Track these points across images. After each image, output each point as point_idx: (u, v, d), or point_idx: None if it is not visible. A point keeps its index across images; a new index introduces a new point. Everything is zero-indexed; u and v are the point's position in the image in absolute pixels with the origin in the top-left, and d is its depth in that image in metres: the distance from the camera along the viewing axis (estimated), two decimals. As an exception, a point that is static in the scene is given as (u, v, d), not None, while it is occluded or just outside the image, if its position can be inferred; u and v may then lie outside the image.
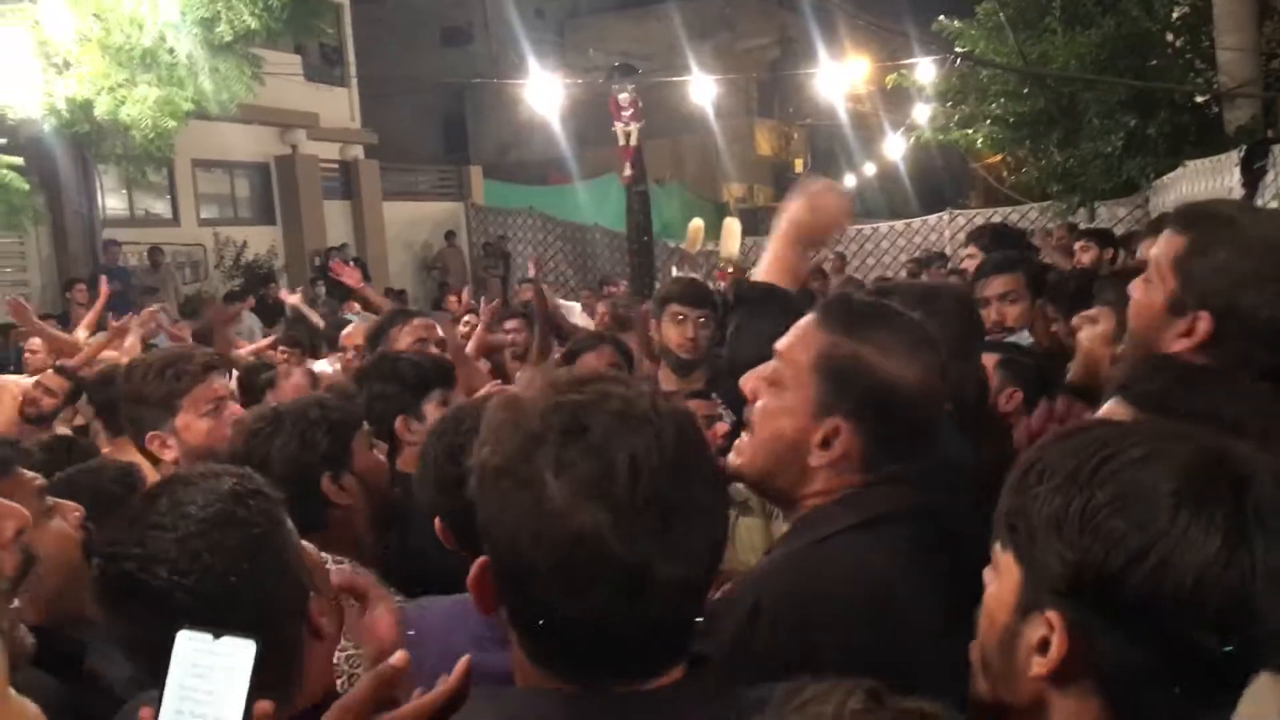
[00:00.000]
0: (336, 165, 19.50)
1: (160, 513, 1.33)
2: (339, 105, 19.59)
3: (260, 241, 17.49)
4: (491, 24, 27.96)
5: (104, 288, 7.40)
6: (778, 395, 1.58)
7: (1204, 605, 0.94)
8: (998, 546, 1.09)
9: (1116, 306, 2.41)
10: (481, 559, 1.06)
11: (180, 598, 1.27)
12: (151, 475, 2.55)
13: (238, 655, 1.10)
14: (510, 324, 6.49)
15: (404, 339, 3.64)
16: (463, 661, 1.13)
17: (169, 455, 2.62)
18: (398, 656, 1.15)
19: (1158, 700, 0.98)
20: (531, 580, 1.00)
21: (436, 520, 1.76)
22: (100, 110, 11.12)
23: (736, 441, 1.66)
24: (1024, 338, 3.58)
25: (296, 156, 18.23)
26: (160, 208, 16.97)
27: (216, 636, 1.11)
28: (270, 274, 16.76)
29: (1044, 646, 1.01)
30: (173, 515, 1.32)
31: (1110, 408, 1.54)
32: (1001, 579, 1.07)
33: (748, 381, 1.63)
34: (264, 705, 1.10)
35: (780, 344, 1.62)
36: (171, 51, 11.28)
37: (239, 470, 1.43)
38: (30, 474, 1.92)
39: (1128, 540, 0.96)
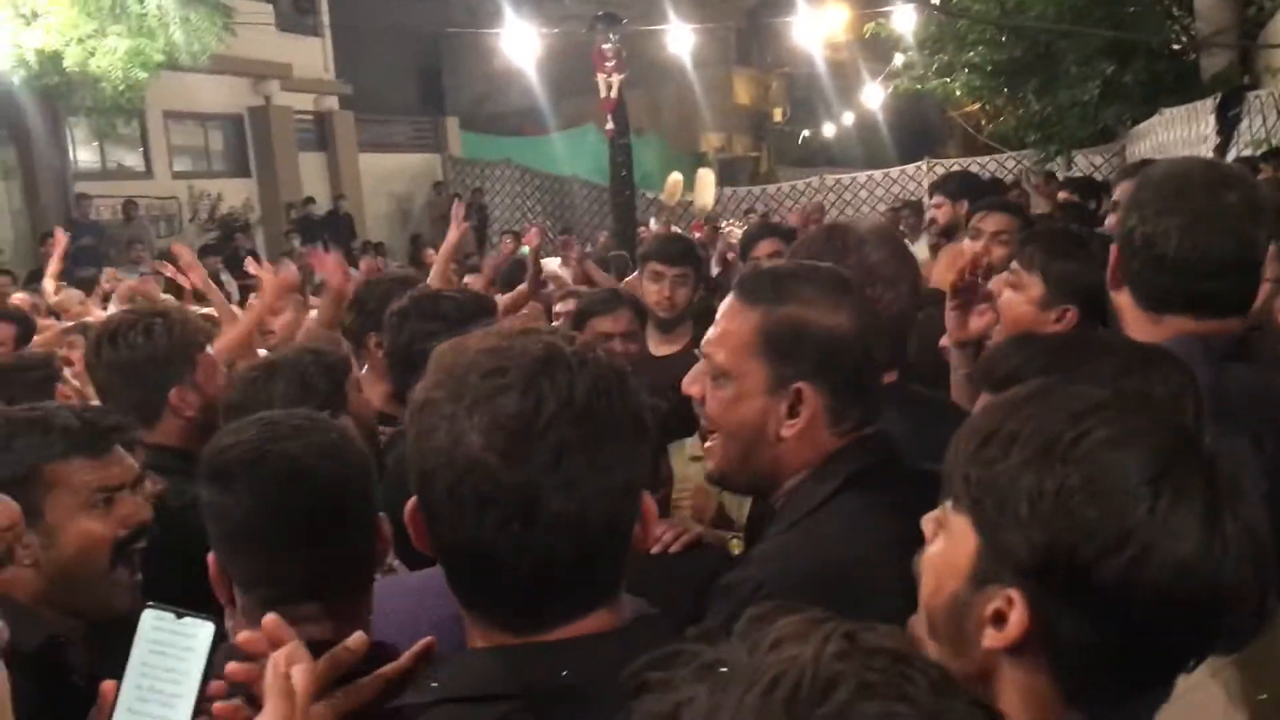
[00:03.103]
0: (311, 116, 19.25)
1: None
2: (313, 55, 19.30)
3: (235, 194, 17.32)
4: (466, -28, 27.54)
5: (59, 236, 7.31)
6: (728, 386, 1.59)
7: (1182, 596, 0.94)
8: (949, 506, 1.07)
9: (1044, 269, 2.40)
10: (414, 497, 1.11)
11: None
12: None
13: (199, 635, 1.13)
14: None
15: None
16: (423, 643, 1.18)
17: (189, 411, 2.48)
18: (354, 640, 1.18)
19: (1109, 678, 0.99)
20: (437, 511, 1.06)
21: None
22: (70, 62, 10.96)
23: (706, 447, 1.68)
24: None
25: (270, 108, 17.98)
26: (133, 160, 16.74)
27: (179, 616, 1.14)
28: (247, 226, 16.62)
29: (998, 619, 1.00)
30: None
31: (980, 400, 1.55)
32: (954, 543, 1.05)
33: (691, 386, 1.63)
34: (218, 684, 1.14)
35: (710, 336, 1.62)
36: (141, 1, 11.09)
37: None
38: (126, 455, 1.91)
39: (1104, 529, 0.94)
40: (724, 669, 0.66)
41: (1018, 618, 0.98)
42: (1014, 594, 0.98)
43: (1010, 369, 1.48)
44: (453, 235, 5.22)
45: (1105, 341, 1.67)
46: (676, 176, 12.47)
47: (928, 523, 1.10)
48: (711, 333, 1.63)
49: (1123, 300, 1.88)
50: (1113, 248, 1.90)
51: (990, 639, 1.00)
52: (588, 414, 1.05)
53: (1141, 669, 0.99)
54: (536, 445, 1.02)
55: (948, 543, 1.05)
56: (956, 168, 15.65)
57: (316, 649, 1.13)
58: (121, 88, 11.43)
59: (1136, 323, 1.86)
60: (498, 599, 1.08)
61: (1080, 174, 14.20)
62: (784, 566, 1.50)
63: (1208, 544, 0.94)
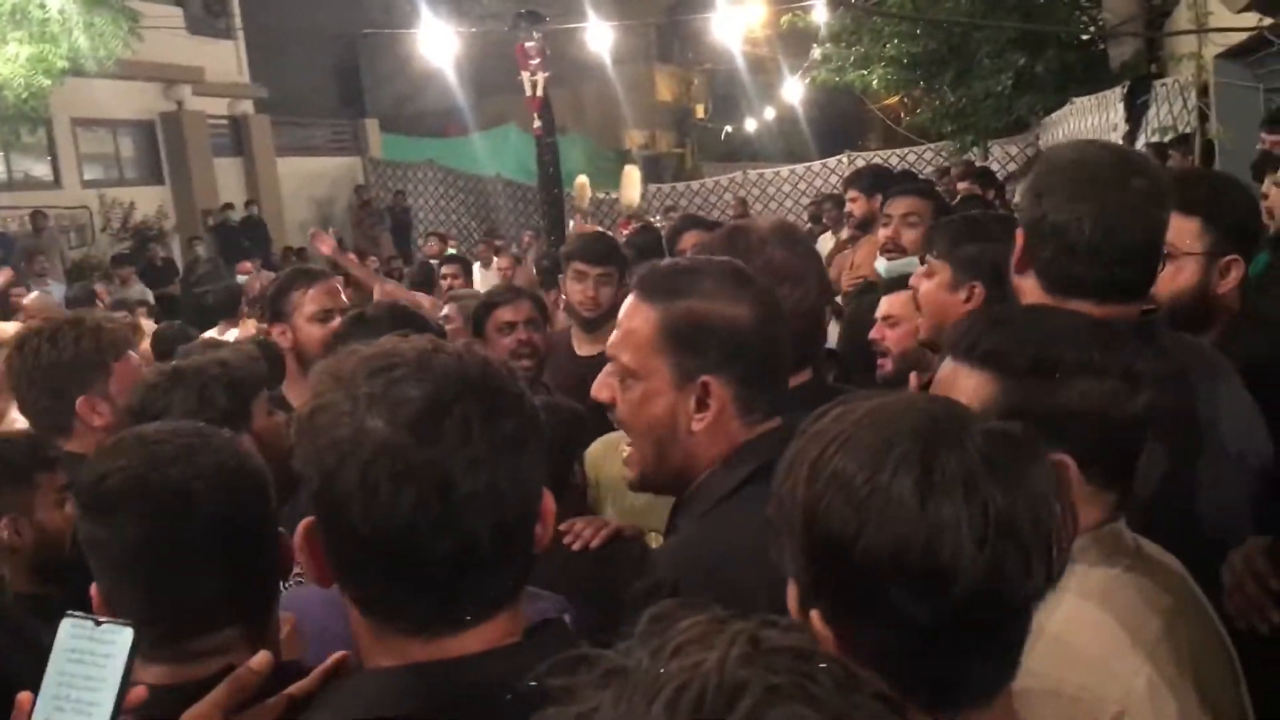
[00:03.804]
0: (226, 121, 18.89)
1: None
2: (225, 59, 18.93)
3: (148, 202, 16.91)
4: (382, -29, 27.21)
5: None
6: (635, 386, 1.59)
7: (904, 569, 0.95)
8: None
9: (948, 255, 2.51)
10: (306, 520, 1.09)
11: None
12: None
13: (117, 642, 1.12)
14: (448, 269, 7.15)
15: (308, 306, 3.29)
16: (334, 658, 1.16)
17: (99, 421, 2.45)
18: (257, 660, 1.16)
19: (919, 674, 0.98)
20: (348, 503, 1.03)
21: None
22: (-32, 69, 10.60)
23: (624, 458, 1.68)
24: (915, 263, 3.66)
25: (183, 113, 17.60)
26: (41, 170, 16.27)
27: (98, 624, 1.13)
28: (161, 235, 16.24)
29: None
30: None
31: (943, 368, 1.56)
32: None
33: (601, 391, 1.64)
34: (139, 690, 1.13)
35: (614, 339, 1.63)
36: (43, 6, 10.77)
37: None
38: None
39: (849, 517, 0.96)
40: (626, 676, 0.64)
41: (824, 638, 0.98)
42: (814, 616, 1.00)
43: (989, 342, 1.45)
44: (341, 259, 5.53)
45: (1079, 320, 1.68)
46: (582, 179, 12.48)
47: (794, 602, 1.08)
48: (615, 335, 1.63)
49: (1026, 285, 1.90)
50: (1018, 233, 1.92)
51: None
52: (486, 392, 1.06)
53: (932, 662, 0.98)
54: (444, 423, 1.03)
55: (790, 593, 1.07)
56: (876, 160, 15.89)
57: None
58: (24, 95, 11.09)
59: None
60: (416, 589, 1.05)
61: (997, 164, 14.50)
62: (693, 559, 1.51)
63: (918, 523, 0.94)
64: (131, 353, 2.60)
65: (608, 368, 1.64)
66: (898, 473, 0.96)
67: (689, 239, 4.12)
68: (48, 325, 2.56)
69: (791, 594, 1.05)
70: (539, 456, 1.11)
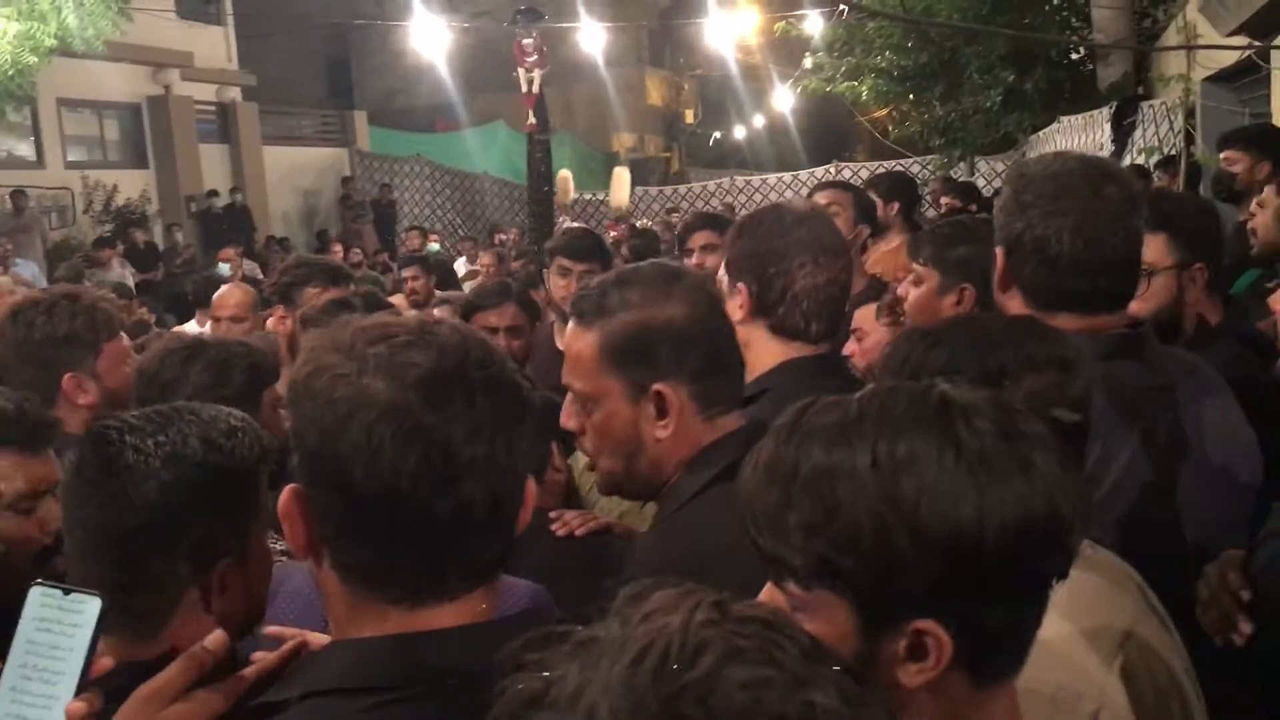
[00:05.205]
0: (213, 107, 18.76)
1: None
2: (215, 44, 18.82)
3: (132, 185, 16.77)
4: (376, -36, 27.13)
5: None
6: (594, 409, 1.61)
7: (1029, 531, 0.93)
8: (794, 589, 0.98)
9: (936, 261, 2.54)
10: (289, 487, 1.08)
11: None
12: None
13: (85, 611, 1.12)
14: (408, 271, 6.73)
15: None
16: (291, 643, 1.19)
17: (84, 399, 2.44)
18: (212, 639, 1.15)
19: (1007, 646, 0.99)
20: (348, 463, 1.02)
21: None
22: (-46, 44, 10.50)
23: (595, 479, 1.71)
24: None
25: (170, 97, 17.47)
26: (24, 149, 16.11)
27: (66, 593, 1.13)
28: (144, 219, 16.12)
29: (913, 652, 0.95)
30: None
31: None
32: (823, 620, 0.96)
33: (568, 419, 1.65)
34: (105, 661, 1.13)
35: (565, 368, 1.65)
36: (32, -17, 10.69)
37: None
38: None
39: (944, 516, 0.92)
40: (595, 644, 0.65)
41: (940, 640, 0.93)
42: (924, 624, 0.93)
43: (936, 360, 1.44)
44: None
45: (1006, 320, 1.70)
46: (565, 173, 12.39)
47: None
48: (565, 364, 1.65)
49: (1012, 303, 1.91)
50: (998, 251, 1.92)
51: (915, 675, 0.95)
52: (485, 364, 1.08)
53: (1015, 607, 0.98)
54: (450, 388, 1.04)
55: (816, 622, 0.95)
56: (864, 171, 15.94)
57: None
58: (10, 73, 10.99)
59: None
60: (410, 552, 1.05)
61: (983, 179, 14.56)
62: (653, 556, 1.54)
63: (1033, 486, 0.94)
64: (123, 334, 2.58)
65: (569, 397, 1.66)
66: (980, 440, 0.94)
67: (699, 238, 4.14)
68: (45, 297, 2.53)
69: (836, 624, 0.96)
70: (530, 433, 1.12)
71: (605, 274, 1.77)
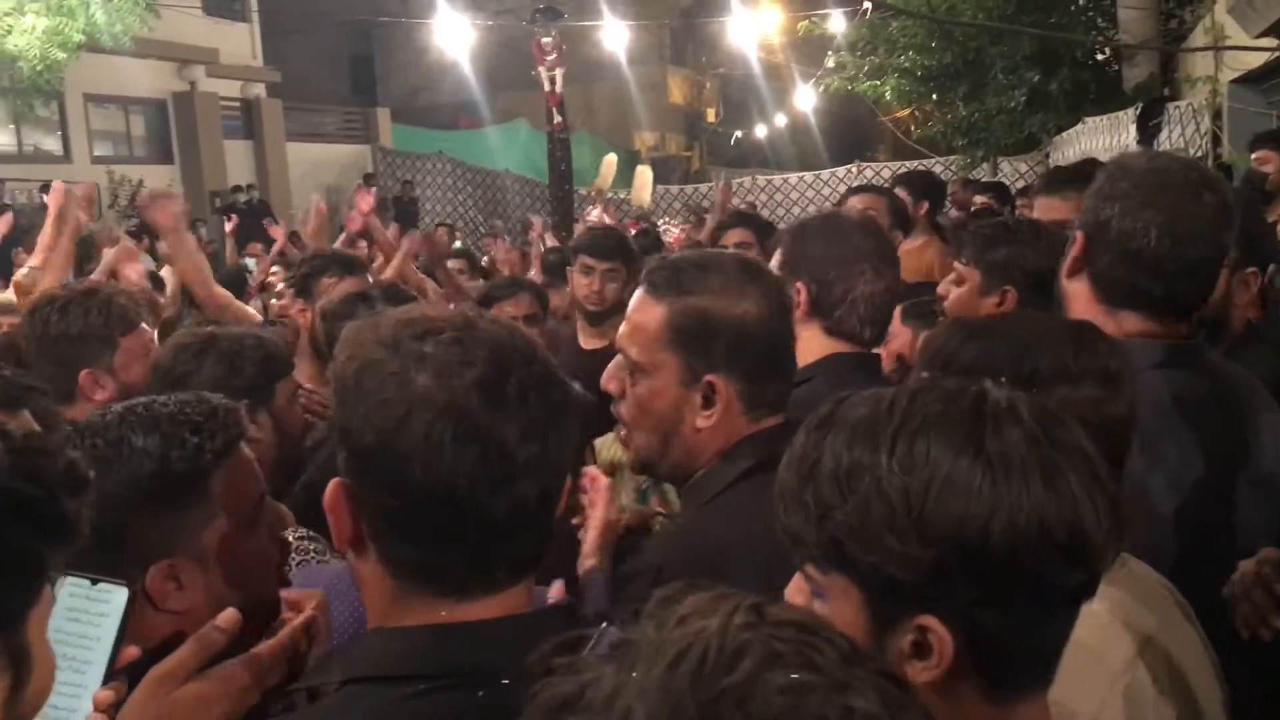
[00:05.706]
0: (238, 103, 18.89)
1: None
2: (240, 41, 18.93)
3: (157, 180, 16.81)
4: (400, -39, 27.21)
5: None
6: (641, 379, 1.60)
7: (1047, 541, 0.92)
8: (813, 572, 0.99)
9: (978, 261, 2.50)
10: (335, 480, 1.08)
11: None
12: None
13: (112, 601, 1.14)
14: (455, 263, 6.86)
15: (336, 295, 3.15)
16: (303, 616, 1.21)
17: (101, 395, 2.43)
18: (224, 618, 1.16)
19: (1022, 651, 0.97)
20: (407, 461, 1.02)
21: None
22: (-16, 39, 10.60)
23: (622, 438, 1.70)
24: None
25: (195, 93, 17.60)
26: (51, 144, 16.29)
27: (94, 582, 1.14)
28: (169, 215, 16.20)
29: (918, 649, 0.95)
30: None
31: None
32: (838, 605, 0.97)
33: (610, 381, 1.65)
34: (131, 650, 1.14)
35: (622, 331, 1.64)
36: (61, -21, 10.78)
37: None
38: None
39: (968, 513, 0.91)
40: (631, 648, 0.65)
41: (941, 638, 0.93)
42: (926, 620, 0.93)
43: (967, 356, 1.43)
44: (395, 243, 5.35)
45: (1046, 319, 1.67)
46: (611, 158, 12.38)
47: (795, 594, 1.02)
48: (624, 328, 1.65)
49: (1077, 288, 1.87)
50: (1077, 235, 1.88)
51: (920, 673, 0.94)
52: (533, 361, 1.08)
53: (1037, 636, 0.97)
54: (506, 388, 1.05)
55: (831, 608, 0.97)
56: (886, 171, 15.89)
57: None
58: (39, 68, 11.10)
59: (1088, 313, 1.83)
60: (463, 549, 1.06)
61: (1005, 180, 14.48)
62: (680, 547, 1.54)
63: (1057, 496, 0.93)
64: (144, 326, 2.59)
65: (617, 359, 1.65)
66: (1004, 443, 0.93)
67: (734, 235, 4.15)
68: (61, 295, 2.57)
69: (850, 612, 0.97)
70: (575, 429, 1.13)
71: (688, 252, 1.77)
